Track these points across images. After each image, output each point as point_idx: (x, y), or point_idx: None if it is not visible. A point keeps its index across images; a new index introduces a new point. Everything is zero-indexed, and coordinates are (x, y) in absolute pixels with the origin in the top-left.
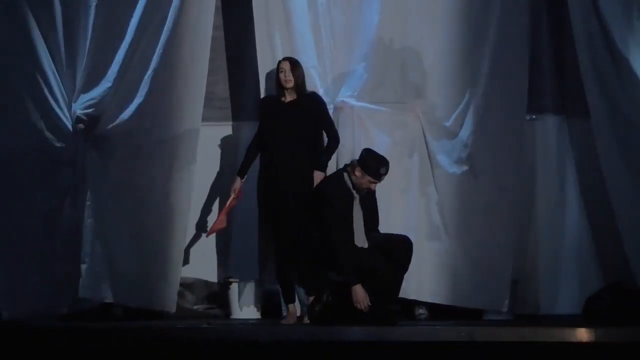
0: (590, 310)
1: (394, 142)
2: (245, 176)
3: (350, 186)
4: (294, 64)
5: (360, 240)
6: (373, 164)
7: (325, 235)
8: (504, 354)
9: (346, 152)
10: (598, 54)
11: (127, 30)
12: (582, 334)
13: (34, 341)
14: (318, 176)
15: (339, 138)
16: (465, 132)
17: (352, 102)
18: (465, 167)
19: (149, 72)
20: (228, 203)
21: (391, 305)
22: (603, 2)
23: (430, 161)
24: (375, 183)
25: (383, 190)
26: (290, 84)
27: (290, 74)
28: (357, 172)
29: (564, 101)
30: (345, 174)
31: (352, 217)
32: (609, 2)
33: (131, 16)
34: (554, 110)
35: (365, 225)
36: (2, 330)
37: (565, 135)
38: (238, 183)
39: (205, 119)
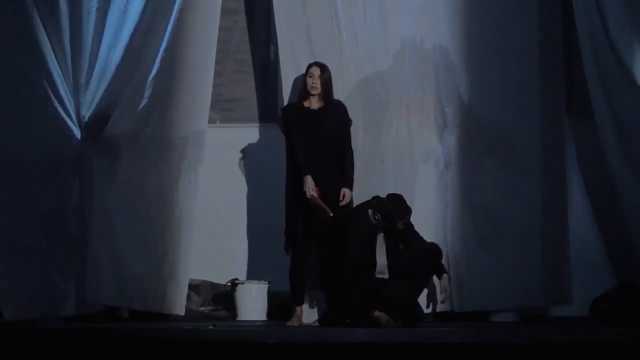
0: (598, 310)
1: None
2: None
3: (374, 222)
4: (324, 70)
5: (381, 269)
6: (393, 215)
7: (342, 271)
8: (512, 356)
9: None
10: (602, 55)
11: (131, 32)
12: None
13: (40, 342)
14: (347, 194)
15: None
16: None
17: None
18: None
19: (155, 74)
20: (319, 203)
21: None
22: (608, 5)
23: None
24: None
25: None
26: (317, 91)
27: (319, 81)
28: (378, 216)
29: (570, 101)
30: (370, 211)
31: (373, 251)
32: (613, 5)
33: (135, 18)
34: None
35: (397, 253)
36: (6, 331)
37: (571, 134)
38: (312, 182)
39: (211, 120)
